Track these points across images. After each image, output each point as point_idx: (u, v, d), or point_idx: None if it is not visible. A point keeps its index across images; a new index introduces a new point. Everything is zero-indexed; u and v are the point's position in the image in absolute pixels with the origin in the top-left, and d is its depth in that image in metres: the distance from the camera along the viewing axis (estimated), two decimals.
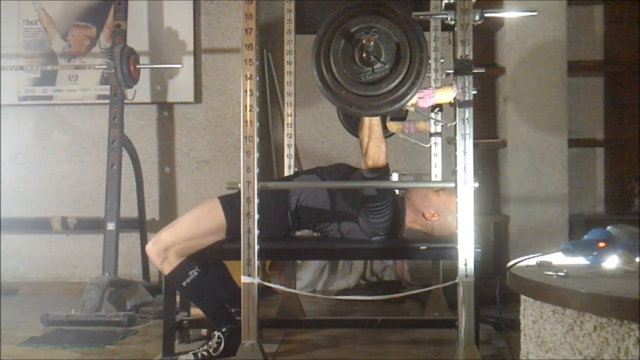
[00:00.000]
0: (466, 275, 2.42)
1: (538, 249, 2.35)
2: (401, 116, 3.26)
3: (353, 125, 3.35)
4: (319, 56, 2.36)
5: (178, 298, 3.11)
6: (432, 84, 3.67)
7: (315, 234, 3.14)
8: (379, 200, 2.78)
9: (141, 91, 4.52)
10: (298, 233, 3.26)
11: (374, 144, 2.66)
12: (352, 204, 2.89)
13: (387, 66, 2.33)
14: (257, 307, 2.52)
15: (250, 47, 2.51)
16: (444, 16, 2.48)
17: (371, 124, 2.65)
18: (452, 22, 2.45)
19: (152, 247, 2.85)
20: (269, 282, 3.45)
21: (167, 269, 2.85)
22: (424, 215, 2.94)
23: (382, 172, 2.70)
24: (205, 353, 2.82)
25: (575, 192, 4.70)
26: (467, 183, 2.42)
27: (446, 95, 2.51)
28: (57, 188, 4.93)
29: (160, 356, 2.92)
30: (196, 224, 2.86)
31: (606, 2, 4.94)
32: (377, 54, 2.32)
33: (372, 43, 2.29)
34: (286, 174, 3.68)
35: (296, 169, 3.74)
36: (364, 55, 2.31)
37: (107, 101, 4.29)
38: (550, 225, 4.33)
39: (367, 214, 2.82)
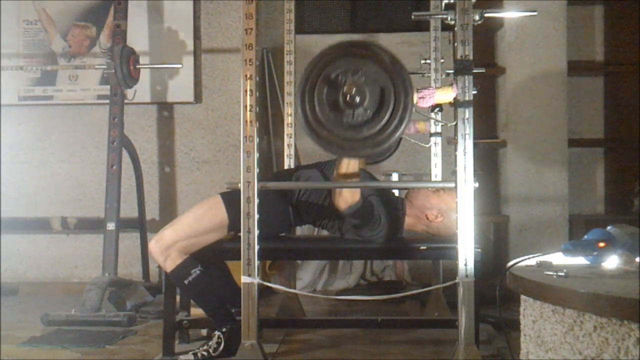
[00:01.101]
0: (466, 275, 2.42)
1: (538, 249, 2.35)
2: (376, 160, 3.29)
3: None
4: (304, 95, 2.37)
5: (178, 298, 3.11)
6: (432, 84, 3.67)
7: (316, 229, 3.14)
8: (366, 225, 2.78)
9: (141, 91, 4.53)
10: (299, 230, 3.26)
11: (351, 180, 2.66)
12: None
13: (368, 112, 2.34)
14: (257, 307, 2.52)
15: (250, 47, 2.51)
16: (444, 16, 2.48)
17: (349, 165, 2.65)
18: (452, 22, 2.45)
19: (155, 245, 2.85)
20: (269, 282, 3.45)
21: (169, 267, 2.85)
22: (427, 218, 2.94)
23: (358, 205, 2.70)
24: (205, 353, 2.82)
25: (575, 192, 4.70)
26: (467, 183, 2.42)
27: (446, 95, 2.52)
28: (57, 188, 4.93)
29: (160, 356, 2.92)
30: (198, 221, 2.87)
31: (606, 2, 4.94)
32: (361, 98, 2.32)
33: (354, 89, 2.30)
34: None
35: (296, 164, 3.74)
36: (347, 98, 2.32)
37: (107, 101, 4.29)
38: (550, 225, 4.33)
39: (358, 232, 2.83)
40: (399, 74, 2.36)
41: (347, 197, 2.68)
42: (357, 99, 2.31)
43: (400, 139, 3.03)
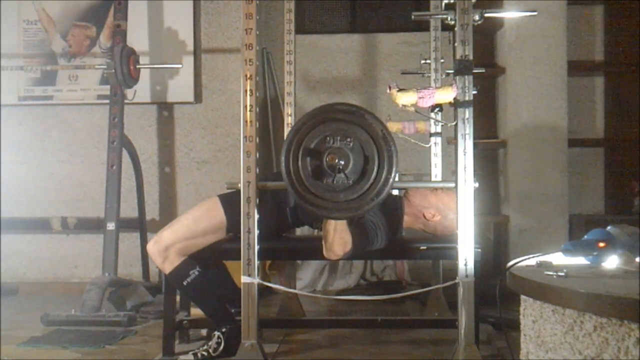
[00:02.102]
0: (466, 275, 2.42)
1: (538, 249, 2.35)
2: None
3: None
4: (291, 145, 2.36)
5: (178, 298, 3.11)
6: (432, 84, 3.67)
7: (315, 231, 3.13)
8: (365, 249, 2.75)
9: (141, 91, 4.53)
10: (298, 231, 3.25)
11: (338, 236, 2.60)
12: None
13: (350, 180, 2.34)
14: (257, 307, 2.52)
15: (250, 47, 2.51)
16: (444, 16, 2.48)
17: (337, 225, 2.59)
18: (452, 22, 2.45)
19: (153, 247, 2.85)
20: (269, 282, 3.44)
21: (168, 268, 2.85)
22: (424, 216, 2.94)
23: (349, 251, 2.66)
24: (205, 353, 2.82)
25: (575, 192, 4.70)
26: (467, 183, 2.42)
27: (446, 95, 2.51)
28: (57, 188, 4.93)
29: (160, 356, 2.92)
30: (196, 222, 2.86)
31: (606, 2, 4.94)
32: (344, 164, 2.33)
33: (336, 160, 2.31)
34: None
35: None
36: (330, 165, 2.33)
37: (107, 101, 4.29)
38: (550, 225, 4.33)
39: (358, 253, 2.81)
40: (387, 148, 2.36)
41: (338, 250, 2.62)
42: (341, 164, 2.32)
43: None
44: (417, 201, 2.95)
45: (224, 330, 2.83)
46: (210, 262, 2.97)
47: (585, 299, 1.63)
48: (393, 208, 2.91)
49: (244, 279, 2.51)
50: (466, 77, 2.42)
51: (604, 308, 1.58)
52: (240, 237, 2.53)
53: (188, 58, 4.82)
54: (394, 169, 2.36)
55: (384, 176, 2.35)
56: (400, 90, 2.44)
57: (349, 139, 2.35)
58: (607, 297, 1.57)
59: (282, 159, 2.37)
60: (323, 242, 2.65)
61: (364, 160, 2.35)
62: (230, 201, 2.80)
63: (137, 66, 4.29)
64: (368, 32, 5.21)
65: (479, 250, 2.52)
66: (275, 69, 4.95)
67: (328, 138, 2.35)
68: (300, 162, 2.36)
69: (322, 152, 2.35)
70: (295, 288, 3.74)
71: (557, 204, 4.36)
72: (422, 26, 4.87)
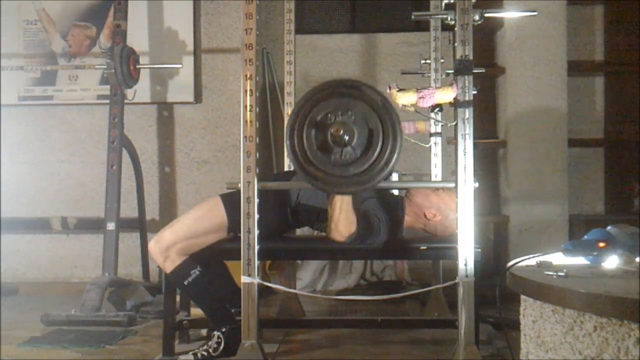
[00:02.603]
0: (466, 275, 2.42)
1: (538, 249, 2.35)
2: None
3: None
4: (293, 133, 2.39)
5: (178, 298, 3.11)
6: (432, 84, 3.67)
7: (315, 231, 3.14)
8: (367, 238, 2.76)
9: (141, 91, 4.53)
10: (298, 231, 3.26)
11: (344, 216, 2.64)
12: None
13: (357, 151, 2.36)
14: (257, 307, 2.52)
15: (250, 47, 2.51)
16: (444, 16, 2.48)
17: (343, 201, 2.63)
18: (452, 22, 2.45)
19: (154, 246, 2.85)
20: (269, 282, 3.44)
21: (169, 268, 2.85)
22: (425, 216, 2.94)
23: (354, 234, 2.69)
24: (205, 353, 2.82)
25: (575, 192, 4.70)
26: (467, 183, 2.42)
27: (446, 95, 2.51)
28: (57, 188, 4.93)
29: (160, 356, 2.92)
30: (197, 222, 2.86)
31: (606, 2, 4.94)
32: (349, 138, 2.34)
33: (341, 130, 2.32)
34: None
35: None
36: (335, 138, 2.34)
37: (107, 101, 4.29)
38: (550, 225, 4.33)
39: (360, 245, 2.82)
40: (390, 117, 2.37)
41: (343, 231, 2.67)
42: (346, 138, 2.34)
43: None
44: (419, 201, 2.95)
45: (224, 330, 2.83)
46: (211, 262, 2.97)
47: (585, 299, 1.63)
48: (394, 208, 2.91)
49: (244, 279, 2.51)
50: (466, 77, 2.42)
51: (604, 308, 1.58)
52: (240, 237, 2.53)
53: (188, 58, 4.82)
54: (398, 138, 2.37)
55: (390, 145, 2.36)
56: (400, 90, 2.44)
57: (350, 113, 2.36)
58: (607, 297, 1.57)
59: (286, 138, 2.38)
60: (328, 224, 2.68)
61: (368, 133, 2.36)
62: (232, 201, 2.79)
63: (137, 66, 4.29)
64: (368, 32, 5.21)
65: (479, 250, 2.52)
66: (275, 69, 4.95)
67: (330, 115, 2.37)
68: (305, 140, 2.37)
69: (326, 127, 2.36)
70: (295, 288, 3.73)
71: (557, 204, 4.36)
72: (422, 26, 4.87)
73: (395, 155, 2.37)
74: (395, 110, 2.40)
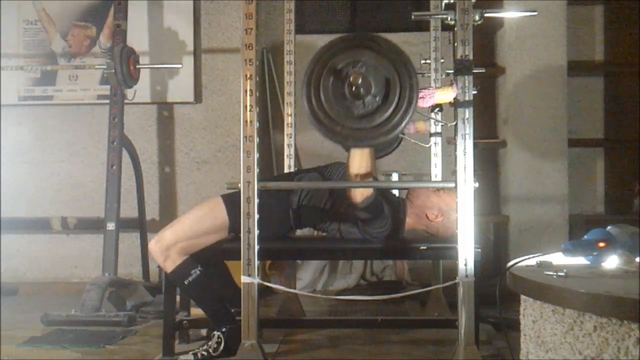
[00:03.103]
0: (466, 275, 2.42)
1: (538, 249, 2.35)
2: (388, 151, 3.28)
3: None
4: (310, 95, 2.39)
5: (178, 298, 3.11)
6: (432, 84, 3.67)
7: (316, 232, 3.14)
8: (375, 219, 2.78)
9: (141, 91, 4.52)
10: (299, 232, 3.26)
11: (364, 174, 2.67)
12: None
13: (377, 98, 2.35)
14: (257, 307, 2.52)
15: (250, 47, 2.51)
16: (444, 16, 2.48)
17: (362, 156, 2.65)
18: (452, 22, 2.45)
19: (155, 246, 2.85)
20: (269, 282, 3.44)
21: (169, 267, 2.85)
22: (427, 217, 2.94)
23: (370, 199, 2.70)
24: (205, 353, 2.82)
25: (575, 192, 4.70)
26: (467, 183, 2.42)
27: (446, 95, 2.52)
28: (57, 188, 4.93)
29: (160, 356, 2.92)
30: (198, 222, 2.87)
31: (606, 2, 4.94)
32: (367, 88, 2.34)
33: (360, 79, 2.31)
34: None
35: (296, 169, 3.74)
36: (353, 90, 2.33)
37: (107, 101, 4.29)
38: (550, 225, 4.33)
39: (366, 228, 2.83)
40: (400, 59, 2.36)
41: (363, 190, 2.68)
42: (364, 89, 2.32)
43: (401, 138, 3.03)
44: (420, 202, 2.95)
45: (224, 330, 2.83)
46: (211, 261, 2.97)
47: (585, 299, 1.63)
48: (395, 210, 2.91)
49: (244, 279, 2.51)
50: (466, 77, 2.42)
51: (604, 308, 1.58)
52: (240, 237, 2.53)
53: (188, 58, 4.82)
54: (415, 84, 2.36)
55: (408, 84, 2.35)
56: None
57: (361, 64, 2.35)
58: (607, 297, 1.57)
59: (305, 101, 2.39)
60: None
61: (385, 80, 2.35)
62: (233, 201, 2.79)
63: (137, 66, 4.29)
64: (368, 32, 5.20)
65: (479, 250, 2.52)
66: (275, 69, 4.95)
67: (345, 68, 2.35)
68: (324, 102, 2.37)
69: (344, 79, 2.35)
70: (295, 288, 3.73)
71: (557, 204, 4.36)
72: (422, 26, 4.87)
73: (416, 92, 2.36)
74: (404, 51, 2.40)
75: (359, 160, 2.66)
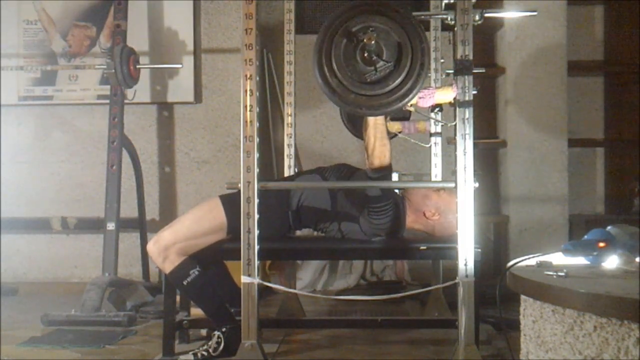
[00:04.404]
0: (466, 275, 2.42)
1: (538, 249, 2.35)
2: (405, 116, 3.25)
3: (357, 126, 3.33)
4: (321, 62, 2.35)
5: (178, 298, 3.11)
6: (432, 84, 3.67)
7: (316, 233, 3.14)
8: (382, 200, 2.78)
9: (141, 91, 4.52)
10: (298, 232, 3.26)
11: (380, 143, 2.68)
12: (353, 204, 2.89)
13: (390, 63, 2.33)
14: (257, 307, 2.52)
15: (250, 47, 2.51)
16: (444, 16, 2.48)
17: (376, 123, 2.67)
18: (452, 22, 2.45)
19: (153, 246, 2.85)
20: (269, 282, 3.45)
21: (168, 268, 2.85)
22: (424, 215, 2.94)
23: (387, 170, 2.72)
24: (205, 353, 2.82)
25: (575, 192, 4.70)
26: (467, 183, 2.42)
27: (446, 95, 2.51)
28: (57, 188, 4.93)
29: (160, 356, 2.92)
30: (197, 223, 2.87)
31: (606, 2, 4.94)
32: (379, 52, 2.31)
33: (373, 42, 2.28)
34: (286, 174, 3.68)
35: (296, 169, 3.74)
36: (365, 55, 2.31)
37: (107, 101, 4.29)
38: (550, 225, 4.34)
39: (370, 214, 2.82)
40: (411, 23, 2.34)
41: (381, 156, 2.69)
42: (377, 54, 2.30)
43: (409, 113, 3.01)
44: (419, 199, 2.95)
45: (224, 330, 2.83)
46: (211, 262, 2.97)
47: (585, 299, 1.63)
48: (397, 205, 2.91)
49: (244, 279, 2.51)
50: (466, 77, 2.42)
51: (604, 308, 1.58)
52: (240, 237, 2.53)
53: (188, 58, 4.83)
54: (425, 40, 2.33)
55: (419, 48, 2.32)
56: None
57: (372, 29, 2.31)
58: (607, 297, 1.57)
59: (317, 73, 2.34)
60: (366, 153, 2.71)
61: (396, 43, 2.32)
62: (231, 202, 2.80)
63: (137, 66, 4.29)
64: None
65: (479, 250, 2.52)
66: (275, 69, 4.95)
67: (355, 35, 2.32)
68: (338, 72, 2.32)
69: (357, 45, 2.31)
70: (295, 288, 3.73)
71: (557, 204, 4.36)
72: (423, 25, 4.86)
73: (427, 56, 2.33)
74: (413, 16, 2.38)
75: (373, 131, 2.67)
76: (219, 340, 2.82)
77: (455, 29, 2.44)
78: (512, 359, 2.13)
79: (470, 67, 2.42)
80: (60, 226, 4.66)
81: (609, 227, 2.03)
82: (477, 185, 2.43)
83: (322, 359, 2.97)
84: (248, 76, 2.52)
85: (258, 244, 2.52)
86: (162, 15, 4.86)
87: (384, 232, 2.86)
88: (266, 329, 3.09)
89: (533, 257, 2.09)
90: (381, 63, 2.32)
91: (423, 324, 3.36)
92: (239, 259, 2.52)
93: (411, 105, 2.53)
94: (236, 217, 2.57)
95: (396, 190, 3.23)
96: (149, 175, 4.81)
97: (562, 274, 1.83)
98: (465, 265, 2.42)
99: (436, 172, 3.70)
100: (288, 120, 3.77)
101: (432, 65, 3.76)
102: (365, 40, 2.29)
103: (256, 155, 2.51)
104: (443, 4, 2.63)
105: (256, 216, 2.51)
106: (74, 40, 4.92)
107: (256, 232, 2.51)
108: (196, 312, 3.17)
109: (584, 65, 4.87)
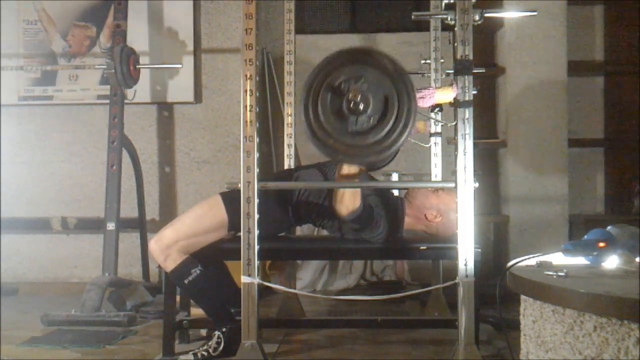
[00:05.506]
0: (466, 275, 2.42)
1: (538, 249, 2.35)
2: (382, 165, 3.26)
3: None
4: (307, 105, 2.37)
5: (178, 298, 3.11)
6: (432, 84, 3.67)
7: (316, 229, 3.14)
8: (365, 229, 2.77)
9: (141, 91, 4.52)
10: (298, 229, 3.26)
11: (350, 191, 2.64)
12: None
13: (372, 119, 2.34)
14: (257, 307, 2.52)
15: (250, 47, 2.51)
16: (444, 16, 2.48)
17: (350, 172, 2.61)
18: (452, 22, 2.45)
19: (155, 245, 2.85)
20: (269, 282, 3.45)
21: (169, 266, 2.85)
22: (426, 217, 2.93)
23: (358, 212, 2.68)
24: (205, 353, 2.82)
25: (575, 192, 4.70)
26: (467, 183, 2.42)
27: (446, 95, 2.52)
28: (57, 188, 4.93)
29: (160, 356, 2.92)
30: (198, 221, 2.87)
31: (606, 2, 4.94)
32: (365, 105, 2.32)
33: (359, 96, 2.30)
34: None
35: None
36: (351, 105, 2.32)
37: (107, 101, 4.29)
38: (550, 225, 4.34)
39: (360, 235, 2.82)
40: (401, 79, 2.36)
41: (348, 204, 2.66)
42: (361, 106, 2.31)
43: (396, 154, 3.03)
44: (419, 202, 2.95)
45: (224, 330, 2.83)
46: (211, 261, 2.97)
47: (585, 299, 1.63)
48: (394, 208, 2.91)
49: (244, 279, 2.51)
50: (466, 77, 2.42)
51: (604, 308, 1.58)
52: (240, 237, 2.53)
53: (188, 58, 4.82)
54: (413, 102, 2.35)
55: (405, 108, 2.33)
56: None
57: (363, 80, 2.34)
58: (607, 297, 1.57)
59: (302, 116, 2.36)
60: (334, 196, 2.68)
61: (383, 98, 2.34)
62: (232, 199, 2.79)
63: (137, 66, 4.29)
64: (368, 32, 5.21)
65: (479, 250, 2.52)
66: (275, 69, 4.95)
67: (343, 84, 2.34)
68: (322, 116, 2.35)
69: (342, 95, 2.33)
70: (295, 288, 3.74)
71: (557, 204, 4.36)
72: (422, 26, 4.87)
73: (413, 118, 2.35)
74: (406, 71, 2.39)
75: (347, 171, 2.62)
76: (219, 340, 2.82)
77: (455, 29, 2.44)
78: (512, 359, 2.13)
79: (470, 67, 2.42)
80: (60, 226, 4.66)
81: (609, 227, 2.03)
82: (477, 185, 2.43)
83: (322, 359, 2.97)
84: (248, 76, 2.52)
85: (258, 244, 2.52)
86: (162, 15, 4.86)
87: (381, 240, 2.85)
88: (266, 329, 3.09)
89: (533, 257, 2.09)
90: (364, 117, 2.33)
91: (423, 324, 3.36)
92: (239, 259, 2.53)
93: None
94: (237, 214, 2.57)
95: (395, 192, 3.24)
96: (149, 175, 4.81)
97: (562, 274, 1.83)
98: (465, 265, 2.42)
99: (436, 172, 3.71)
100: (288, 120, 3.77)
101: (432, 65, 3.77)
102: (350, 94, 2.32)
103: (256, 155, 2.51)
104: (443, 4, 2.63)
105: (256, 216, 2.51)
106: (74, 40, 4.92)
107: (256, 232, 2.51)
108: (196, 312, 3.18)
109: (584, 65, 4.88)
